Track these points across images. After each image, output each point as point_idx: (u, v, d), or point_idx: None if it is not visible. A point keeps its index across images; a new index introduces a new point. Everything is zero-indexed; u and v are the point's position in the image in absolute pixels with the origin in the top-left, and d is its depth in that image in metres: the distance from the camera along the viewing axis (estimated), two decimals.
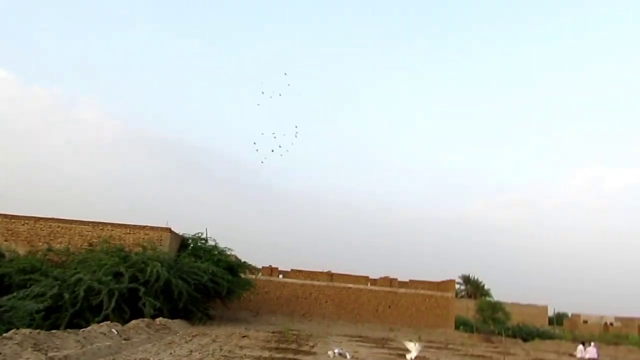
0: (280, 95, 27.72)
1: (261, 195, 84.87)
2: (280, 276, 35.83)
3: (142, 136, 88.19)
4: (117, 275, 20.96)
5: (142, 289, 20.58)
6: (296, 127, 36.25)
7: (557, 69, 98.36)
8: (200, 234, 28.69)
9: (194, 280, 23.13)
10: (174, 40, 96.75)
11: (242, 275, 28.41)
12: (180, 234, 28.72)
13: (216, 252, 27.42)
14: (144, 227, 27.31)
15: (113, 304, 19.41)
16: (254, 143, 28.95)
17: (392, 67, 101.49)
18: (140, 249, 24.24)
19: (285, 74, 31.46)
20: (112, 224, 27.29)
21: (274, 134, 26.39)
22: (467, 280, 55.79)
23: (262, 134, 33.89)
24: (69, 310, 18.93)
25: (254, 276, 32.06)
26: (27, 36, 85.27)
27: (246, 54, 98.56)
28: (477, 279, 55.00)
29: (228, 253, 28.06)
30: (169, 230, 27.30)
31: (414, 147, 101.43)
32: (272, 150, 25.65)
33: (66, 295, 19.10)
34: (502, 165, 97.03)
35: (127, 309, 19.87)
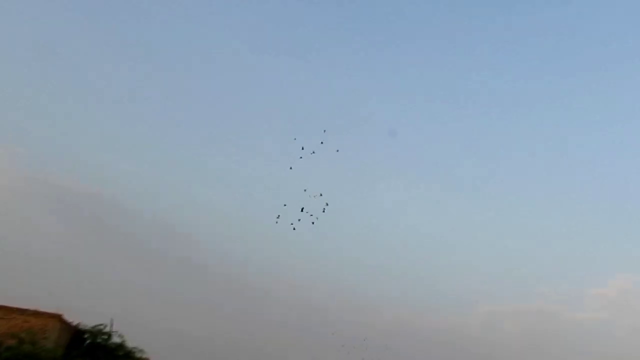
0: (301, 158, 24.72)
1: (198, 280, 60.41)
2: None
3: (50, 186, 64.22)
4: None
5: None
6: (325, 201, 28.90)
7: (585, 172, 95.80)
8: (102, 326, 22.87)
9: None
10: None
11: None
12: (74, 324, 22.85)
13: (121, 354, 21.99)
14: (25, 310, 21.35)
15: None
16: (278, 216, 24.73)
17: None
18: (15, 341, 18.31)
19: (324, 130, 27.78)
20: None
21: (303, 208, 23.31)
22: None
23: (285, 205, 28.35)
24: None
25: None
26: None
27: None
28: None
29: (138, 355, 22.39)
30: (59, 317, 21.49)
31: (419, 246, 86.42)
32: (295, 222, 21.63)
33: None
34: (515, 271, 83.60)
35: None
